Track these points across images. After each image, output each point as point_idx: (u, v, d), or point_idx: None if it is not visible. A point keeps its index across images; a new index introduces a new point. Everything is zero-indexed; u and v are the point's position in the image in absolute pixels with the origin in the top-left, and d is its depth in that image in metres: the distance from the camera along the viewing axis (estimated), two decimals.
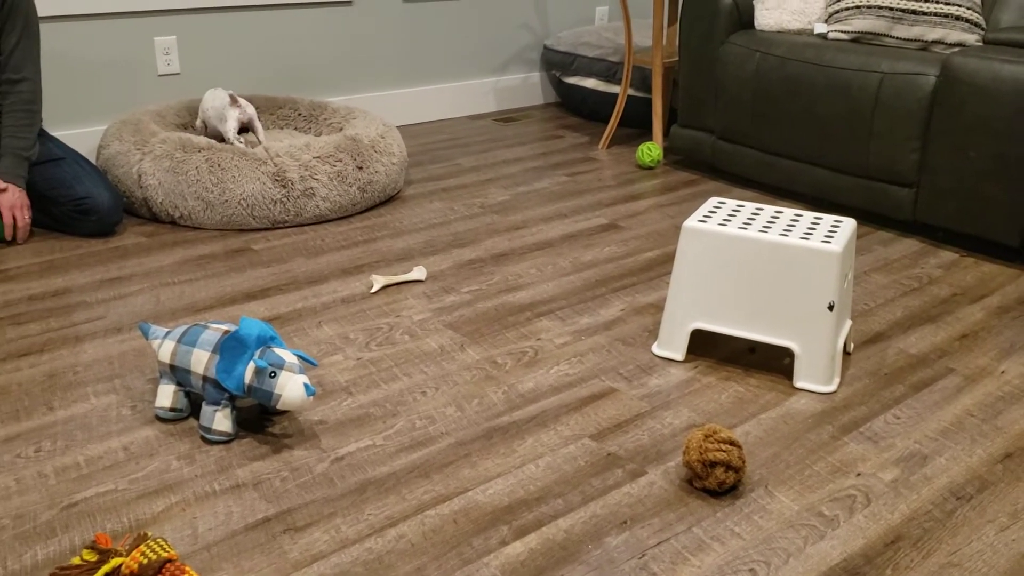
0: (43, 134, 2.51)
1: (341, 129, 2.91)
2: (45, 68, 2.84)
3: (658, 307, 2.08)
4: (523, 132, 3.67)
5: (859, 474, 1.48)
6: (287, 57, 3.34)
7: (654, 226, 2.62)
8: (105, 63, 2.94)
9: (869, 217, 2.72)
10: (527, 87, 4.10)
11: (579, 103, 3.89)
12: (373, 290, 2.15)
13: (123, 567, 1.19)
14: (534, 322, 2.00)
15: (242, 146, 2.51)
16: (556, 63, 3.91)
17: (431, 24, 3.70)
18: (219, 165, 2.47)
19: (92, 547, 1.22)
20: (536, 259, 2.36)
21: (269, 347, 1.51)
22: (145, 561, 1.18)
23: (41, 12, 2.77)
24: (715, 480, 1.41)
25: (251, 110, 2.71)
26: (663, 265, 2.33)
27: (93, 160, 2.87)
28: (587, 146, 3.47)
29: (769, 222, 1.78)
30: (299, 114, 3.08)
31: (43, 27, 2.80)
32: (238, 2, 3.15)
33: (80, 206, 2.40)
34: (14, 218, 2.35)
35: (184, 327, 1.60)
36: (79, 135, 2.93)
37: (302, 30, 3.35)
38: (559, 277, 2.25)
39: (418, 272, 2.22)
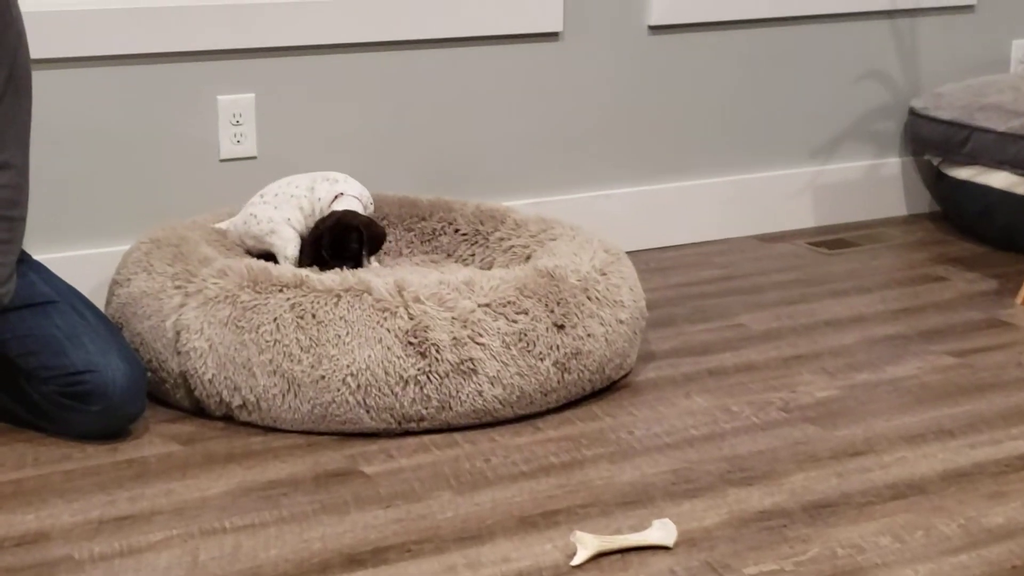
0: (24, 260, 2.69)
1: (528, 257, 3.03)
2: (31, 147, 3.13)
3: None
4: (867, 268, 3.69)
5: None
6: (439, 133, 3.51)
7: None
8: (129, 139, 3.17)
9: None
10: (876, 185, 4.13)
11: (978, 216, 3.87)
12: (576, 562, 2.17)
13: None
14: None
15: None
16: (934, 141, 3.93)
17: (693, 70, 3.81)
18: (313, 315, 2.61)
19: None
20: (893, 517, 2.35)
21: None
22: None
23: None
24: None
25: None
26: None
27: (101, 307, 3.08)
28: (994, 298, 3.45)
29: None
30: (456, 230, 3.22)
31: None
32: (356, 37, 3.34)
33: (75, 386, 2.56)
34: None
35: None
36: (81, 261, 3.13)
37: (464, 86, 3.53)
38: (939, 556, 2.22)
39: (661, 531, 2.24)
